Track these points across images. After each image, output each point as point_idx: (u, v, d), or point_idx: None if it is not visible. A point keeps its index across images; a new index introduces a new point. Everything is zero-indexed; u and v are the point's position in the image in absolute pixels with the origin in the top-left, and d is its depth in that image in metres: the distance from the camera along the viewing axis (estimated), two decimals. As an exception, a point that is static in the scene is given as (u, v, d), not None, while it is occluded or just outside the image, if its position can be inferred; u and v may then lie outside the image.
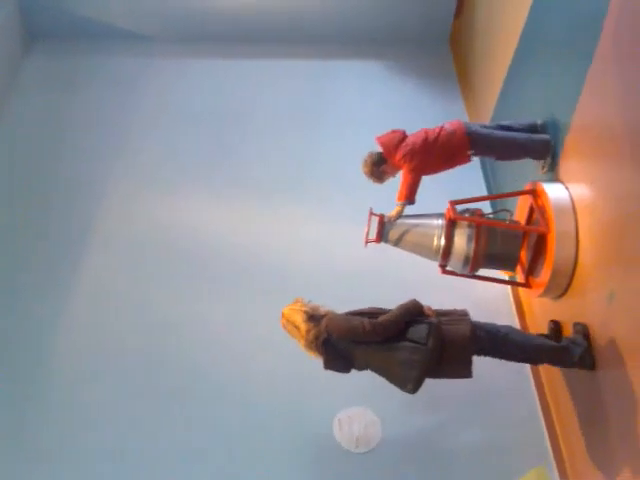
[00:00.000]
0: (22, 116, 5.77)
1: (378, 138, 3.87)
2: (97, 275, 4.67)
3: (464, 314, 3.30)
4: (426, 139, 3.73)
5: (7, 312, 4.43)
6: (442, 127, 3.77)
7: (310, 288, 4.40)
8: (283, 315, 3.35)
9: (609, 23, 3.21)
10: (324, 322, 3.22)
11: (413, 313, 3.20)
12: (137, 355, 4.23)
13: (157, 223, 4.98)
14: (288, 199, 5.11)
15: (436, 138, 3.72)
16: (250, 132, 5.63)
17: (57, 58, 6.31)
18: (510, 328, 3.39)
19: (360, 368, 3.31)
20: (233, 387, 4.06)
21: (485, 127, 3.90)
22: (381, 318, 3.17)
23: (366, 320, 3.17)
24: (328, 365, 3.30)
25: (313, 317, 3.26)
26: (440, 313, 3.29)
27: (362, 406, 3.89)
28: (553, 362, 3.43)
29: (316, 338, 3.19)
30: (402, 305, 3.23)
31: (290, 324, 3.30)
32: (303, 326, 3.23)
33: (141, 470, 3.77)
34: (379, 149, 3.85)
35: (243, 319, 4.37)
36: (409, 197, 3.72)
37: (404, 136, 3.81)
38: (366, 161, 3.87)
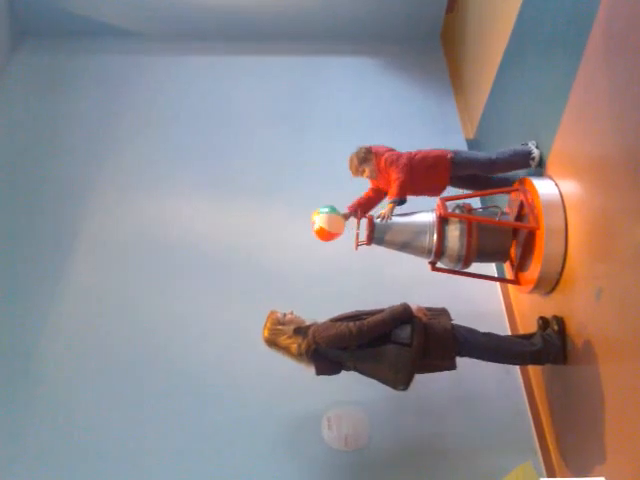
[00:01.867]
0: (10, 113, 5.74)
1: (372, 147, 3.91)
2: (85, 275, 4.64)
3: (443, 310, 3.38)
4: (411, 154, 3.84)
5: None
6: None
7: (300, 287, 4.42)
8: (266, 340, 3.35)
9: (599, 19, 3.19)
10: (311, 333, 3.24)
11: (402, 318, 3.20)
12: (126, 356, 4.20)
13: (146, 223, 4.95)
14: (279, 198, 5.08)
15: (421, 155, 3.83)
16: (241, 130, 5.60)
17: (46, 55, 6.27)
18: (490, 337, 3.40)
19: (350, 370, 3.34)
20: (222, 387, 4.04)
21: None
22: (367, 320, 3.18)
23: (351, 323, 3.18)
24: (320, 372, 3.35)
25: (298, 330, 3.29)
26: (421, 309, 3.32)
27: (351, 405, 3.87)
28: (530, 363, 3.60)
29: (306, 351, 3.23)
30: (392, 309, 3.23)
31: (275, 346, 3.34)
32: (290, 343, 3.26)
33: (130, 471, 3.74)
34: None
35: (232, 319, 4.34)
36: (400, 194, 3.70)
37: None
38: (352, 157, 3.90)
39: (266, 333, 3.35)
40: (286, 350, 3.31)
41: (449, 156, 3.79)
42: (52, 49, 6.31)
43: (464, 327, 3.38)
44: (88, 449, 3.81)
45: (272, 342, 3.34)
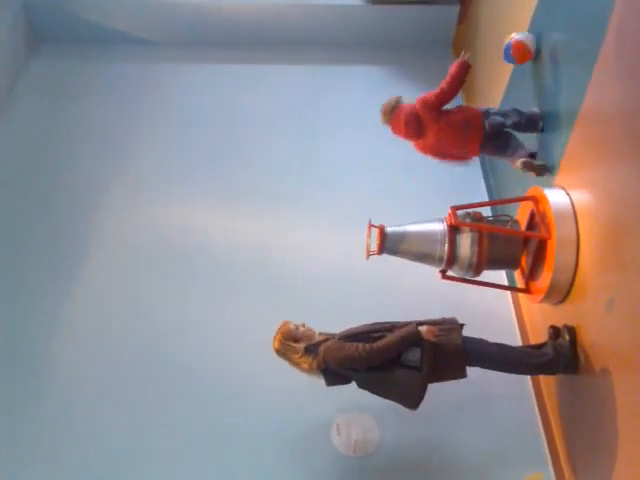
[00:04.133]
0: (25, 119, 5.80)
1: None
2: (96, 279, 4.67)
3: (453, 322, 3.37)
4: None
5: (5, 317, 4.43)
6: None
7: (309, 293, 4.43)
8: (276, 351, 3.38)
9: (611, 31, 3.20)
10: (321, 353, 3.26)
11: (410, 342, 3.20)
12: (135, 359, 4.22)
13: (156, 228, 4.98)
14: (287, 204, 5.11)
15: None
16: (250, 137, 5.64)
17: (61, 62, 6.33)
18: (500, 348, 3.41)
19: (359, 387, 3.37)
20: (231, 392, 4.06)
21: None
22: (377, 344, 3.18)
23: (361, 346, 3.19)
24: (330, 384, 3.39)
25: (309, 348, 3.31)
26: (431, 323, 3.32)
27: (360, 411, 3.88)
28: (541, 373, 3.64)
29: (317, 368, 3.29)
30: (401, 333, 3.22)
31: (285, 358, 3.38)
32: (301, 362, 3.32)
33: (138, 474, 3.76)
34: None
35: (241, 323, 4.36)
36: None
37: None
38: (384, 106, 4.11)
39: (277, 345, 3.38)
40: (296, 366, 3.36)
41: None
42: (67, 56, 6.37)
43: (474, 338, 3.39)
44: (96, 452, 3.83)
45: (282, 354, 3.38)
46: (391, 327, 3.34)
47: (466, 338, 3.34)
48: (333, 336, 3.39)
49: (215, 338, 4.31)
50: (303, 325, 3.41)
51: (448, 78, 3.94)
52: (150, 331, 4.36)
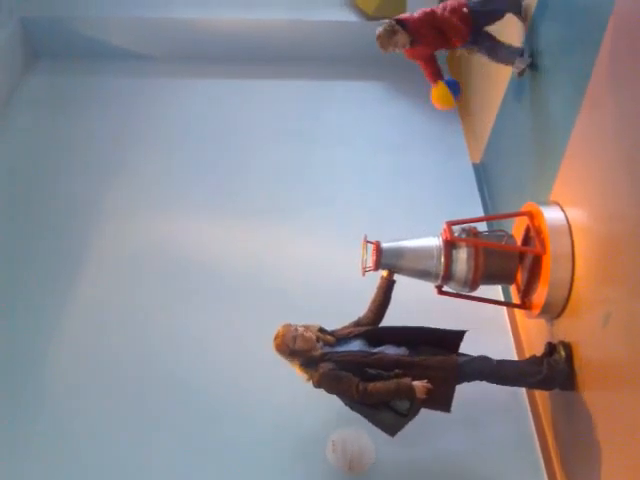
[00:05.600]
0: (22, 133, 5.81)
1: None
2: (94, 291, 4.66)
3: (452, 370, 3.34)
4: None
5: (3, 326, 4.42)
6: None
7: (304, 306, 4.41)
8: (276, 349, 3.40)
9: (606, 44, 3.22)
10: (318, 376, 3.34)
11: (404, 396, 3.28)
12: (133, 370, 4.21)
13: (153, 241, 4.98)
14: (284, 218, 5.12)
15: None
16: (247, 152, 5.66)
17: (58, 77, 6.37)
18: (496, 367, 3.46)
19: (345, 404, 3.50)
20: (227, 406, 4.03)
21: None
22: (372, 387, 3.27)
23: (354, 385, 3.27)
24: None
25: (308, 363, 3.38)
26: (425, 367, 3.33)
27: (356, 428, 3.85)
28: (537, 388, 3.70)
29: (313, 384, 3.40)
30: (398, 384, 3.25)
31: (284, 358, 3.42)
32: (299, 372, 3.43)
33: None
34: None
35: (238, 336, 4.35)
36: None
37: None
38: (379, 33, 4.21)
39: (275, 346, 3.39)
40: (293, 367, 3.44)
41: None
42: (64, 71, 6.40)
43: (471, 361, 3.43)
44: (93, 464, 3.81)
45: (280, 353, 3.40)
46: (389, 364, 3.34)
47: (461, 366, 3.36)
48: (328, 352, 3.40)
49: (212, 351, 4.30)
50: (305, 330, 3.39)
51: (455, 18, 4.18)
52: (148, 343, 4.35)
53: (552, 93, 3.97)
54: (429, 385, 3.25)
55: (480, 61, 5.56)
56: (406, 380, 3.25)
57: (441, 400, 3.32)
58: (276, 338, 3.38)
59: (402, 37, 4.17)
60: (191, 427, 3.95)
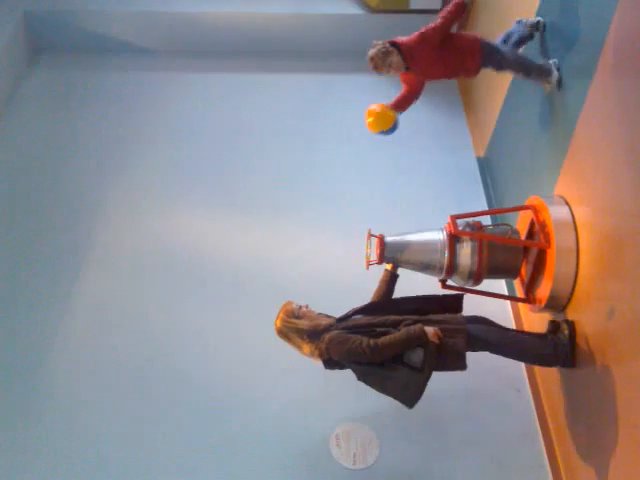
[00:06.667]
0: (25, 128, 5.80)
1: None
2: (96, 290, 4.65)
3: (460, 323, 3.33)
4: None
5: (6, 324, 4.42)
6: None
7: (308, 302, 4.38)
8: (277, 331, 3.37)
9: (610, 40, 3.20)
10: (325, 344, 3.25)
11: (415, 343, 3.18)
12: (137, 370, 4.20)
13: (156, 237, 4.96)
14: (287, 214, 5.10)
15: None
16: (250, 146, 5.64)
17: (61, 71, 6.35)
18: (501, 333, 3.47)
19: (358, 379, 3.34)
20: (231, 402, 4.03)
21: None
22: (381, 341, 3.17)
23: (365, 341, 3.17)
24: (328, 368, 3.40)
25: (314, 335, 3.29)
26: (435, 321, 3.30)
27: (360, 423, 3.85)
28: (539, 364, 3.69)
29: (320, 356, 3.29)
30: (408, 332, 3.18)
31: (286, 339, 3.36)
32: (305, 347, 3.31)
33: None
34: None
35: (241, 333, 4.35)
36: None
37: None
38: (373, 55, 3.83)
39: (279, 324, 3.35)
40: (297, 347, 3.35)
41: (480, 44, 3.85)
42: (67, 66, 6.39)
43: (477, 329, 3.39)
44: (97, 464, 3.80)
45: (284, 334, 3.35)
46: (396, 322, 3.29)
47: (470, 334, 3.32)
48: (333, 323, 3.37)
49: (216, 349, 4.29)
50: (306, 306, 3.42)
51: (444, 13, 3.86)
52: (151, 342, 4.34)
53: (556, 87, 3.95)
54: (439, 332, 3.19)
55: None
56: (416, 327, 3.18)
57: (455, 358, 3.25)
58: (280, 311, 3.37)
59: (396, 59, 3.80)
60: (193, 425, 3.95)
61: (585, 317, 3.33)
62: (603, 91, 3.27)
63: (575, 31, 3.70)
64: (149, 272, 4.75)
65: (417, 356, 3.17)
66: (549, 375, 3.79)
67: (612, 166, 3.13)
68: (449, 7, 3.89)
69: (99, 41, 6.43)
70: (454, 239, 3.63)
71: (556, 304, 3.52)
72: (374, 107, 3.95)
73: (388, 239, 3.67)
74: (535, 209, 3.67)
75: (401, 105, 4.02)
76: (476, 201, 5.09)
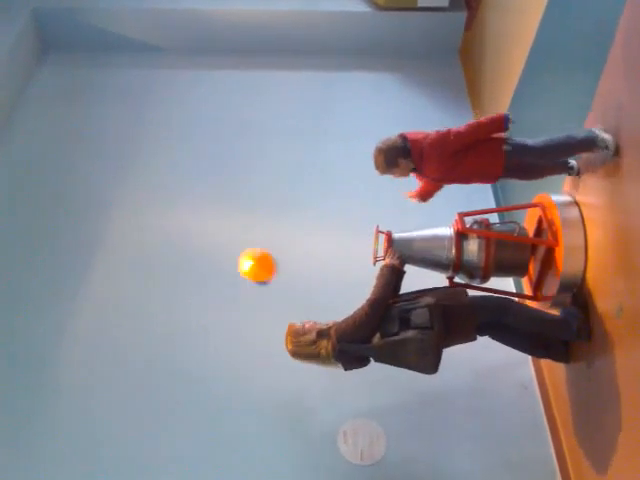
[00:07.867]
0: (34, 126, 5.82)
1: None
2: (103, 287, 4.67)
3: (455, 290, 3.44)
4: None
5: (13, 321, 4.44)
6: None
7: (313, 299, 4.42)
8: (291, 353, 3.38)
9: (620, 37, 3.20)
10: (333, 333, 3.27)
11: (392, 275, 3.32)
12: (142, 366, 4.22)
13: (164, 235, 4.97)
14: (293, 211, 5.11)
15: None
16: (256, 144, 5.65)
17: (70, 69, 6.37)
18: (509, 303, 3.49)
19: (376, 361, 3.35)
20: (237, 399, 4.05)
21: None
22: (370, 296, 3.27)
23: (362, 308, 3.26)
24: (348, 367, 3.37)
25: (321, 333, 3.33)
26: (437, 293, 3.37)
27: (367, 419, 3.87)
28: (553, 334, 3.56)
29: (333, 350, 3.27)
30: (381, 270, 3.34)
31: (301, 357, 3.37)
32: (316, 349, 3.32)
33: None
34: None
35: (246, 330, 4.36)
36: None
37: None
38: (377, 154, 3.50)
39: (290, 346, 3.37)
40: (313, 358, 3.34)
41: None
42: (76, 63, 6.41)
43: (481, 296, 3.47)
44: (103, 460, 3.82)
45: (298, 355, 3.37)
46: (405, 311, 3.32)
47: (473, 297, 3.39)
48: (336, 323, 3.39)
49: (221, 345, 4.31)
50: (308, 322, 3.42)
51: (474, 124, 3.34)
52: (155, 339, 4.35)
53: (564, 85, 3.95)
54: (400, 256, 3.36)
55: (492, 55, 5.55)
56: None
57: (464, 329, 3.29)
58: (286, 336, 3.38)
59: (403, 171, 3.49)
60: (197, 422, 3.95)
61: (594, 314, 3.33)
62: (612, 88, 3.26)
63: (582, 31, 3.69)
64: (154, 269, 4.75)
65: (423, 317, 3.19)
66: (556, 371, 3.79)
67: (622, 163, 3.12)
68: (483, 119, 3.33)
69: (108, 38, 6.45)
70: (461, 236, 3.63)
71: (564, 302, 3.52)
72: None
73: (395, 235, 3.67)
74: (543, 206, 3.66)
75: (423, 196, 3.82)
76: (483, 198, 5.09)
